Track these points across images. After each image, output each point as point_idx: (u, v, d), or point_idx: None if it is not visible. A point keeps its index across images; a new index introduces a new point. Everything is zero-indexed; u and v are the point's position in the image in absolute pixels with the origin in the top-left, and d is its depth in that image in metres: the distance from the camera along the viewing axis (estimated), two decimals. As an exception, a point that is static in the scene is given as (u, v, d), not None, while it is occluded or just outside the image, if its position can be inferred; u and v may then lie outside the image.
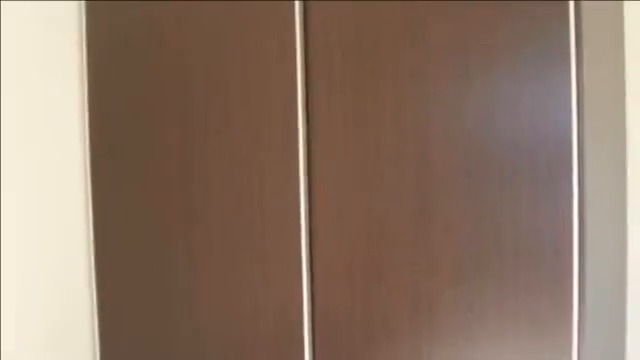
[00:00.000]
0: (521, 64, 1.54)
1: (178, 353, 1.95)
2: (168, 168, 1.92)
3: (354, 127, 1.71)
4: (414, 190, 1.66)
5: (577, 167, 1.51)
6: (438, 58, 1.61)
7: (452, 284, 1.63)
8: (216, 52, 1.84)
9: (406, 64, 1.65)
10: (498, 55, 1.56)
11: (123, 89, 1.97)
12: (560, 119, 1.51)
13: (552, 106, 1.52)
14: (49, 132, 1.97)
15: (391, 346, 1.71)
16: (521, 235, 1.56)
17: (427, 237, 1.65)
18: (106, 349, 2.06)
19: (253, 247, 1.83)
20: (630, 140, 1.98)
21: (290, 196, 1.78)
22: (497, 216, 1.58)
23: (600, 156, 1.65)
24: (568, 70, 1.50)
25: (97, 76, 2.00)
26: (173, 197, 1.92)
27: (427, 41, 1.62)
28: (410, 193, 1.66)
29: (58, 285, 1.99)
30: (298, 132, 1.76)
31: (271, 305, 1.82)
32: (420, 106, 1.64)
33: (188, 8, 1.87)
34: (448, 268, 1.63)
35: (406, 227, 1.67)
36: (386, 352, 1.72)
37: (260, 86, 1.79)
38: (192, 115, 1.88)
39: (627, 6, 1.95)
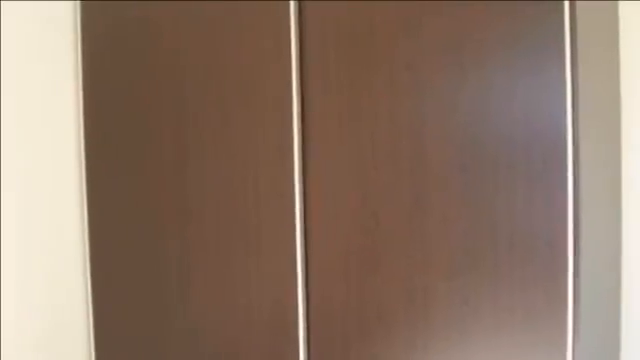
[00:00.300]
0: (516, 58, 1.55)
1: (173, 348, 1.95)
2: (163, 166, 1.92)
3: (349, 122, 1.71)
4: (409, 184, 1.66)
5: (572, 161, 1.51)
6: (433, 53, 1.62)
7: (447, 278, 1.63)
8: (211, 51, 1.84)
9: (401, 59, 1.65)
10: (493, 49, 1.56)
11: (118, 88, 1.97)
12: (555, 113, 1.52)
13: (547, 100, 1.52)
14: (44, 130, 1.97)
15: (386, 340, 1.71)
16: (516, 229, 1.56)
17: (422, 231, 1.65)
18: (101, 345, 2.05)
19: (248, 242, 1.83)
20: (624, 134, 1.99)
21: (285, 191, 1.78)
22: (492, 210, 1.58)
23: (595, 150, 1.66)
24: (563, 64, 1.50)
25: (92, 75, 2.00)
26: (168, 194, 1.92)
27: (422, 36, 1.63)
28: (405, 187, 1.67)
29: (53, 281, 1.99)
30: (293, 127, 1.76)
31: (266, 300, 1.82)
32: (415, 101, 1.65)
33: (183, 8, 1.87)
34: (443, 262, 1.64)
35: (401, 221, 1.67)
36: (381, 346, 1.72)
37: (255, 81, 1.80)
38: (187, 114, 1.88)
39: (622, 6, 1.97)
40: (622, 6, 1.97)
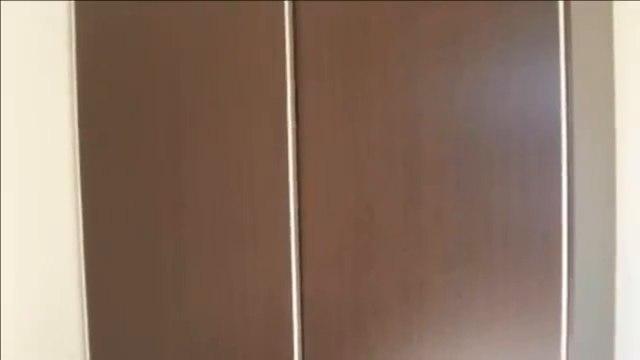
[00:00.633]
0: (511, 51, 1.55)
1: (168, 343, 1.94)
2: (158, 163, 1.92)
3: (343, 115, 1.72)
4: (404, 178, 1.67)
5: (566, 155, 1.52)
6: (428, 46, 1.63)
7: (442, 271, 1.63)
8: (205, 51, 1.85)
9: (395, 52, 1.66)
10: (488, 43, 1.57)
11: (113, 88, 1.97)
12: (550, 107, 1.52)
13: (541, 93, 1.53)
14: (39, 128, 1.97)
15: (381, 333, 1.71)
16: (511, 222, 1.57)
17: (417, 225, 1.65)
18: (96, 341, 2.04)
19: (243, 238, 1.83)
20: (618, 127, 2.00)
21: (280, 186, 1.78)
22: (487, 203, 1.59)
23: (589, 144, 1.66)
24: (557, 57, 1.51)
25: (87, 74, 2.01)
26: (162, 189, 1.92)
27: (417, 29, 1.64)
28: (400, 181, 1.67)
29: (48, 276, 1.99)
30: (287, 121, 1.76)
31: (261, 295, 1.82)
32: (410, 94, 1.65)
33: (177, 7, 1.87)
34: (438, 255, 1.64)
35: (396, 214, 1.68)
36: (376, 339, 1.71)
37: (249, 77, 1.80)
38: (182, 113, 1.88)
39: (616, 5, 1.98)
40: (616, 6, 1.98)
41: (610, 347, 1.95)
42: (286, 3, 1.76)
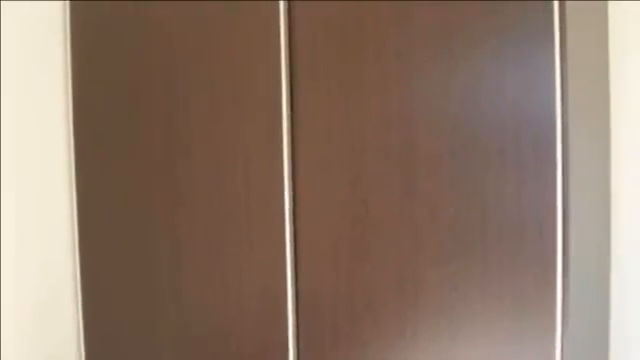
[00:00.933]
0: (506, 45, 1.56)
1: (164, 336, 1.94)
2: (153, 160, 1.92)
3: (339, 113, 1.72)
4: (399, 172, 1.67)
5: (561, 149, 1.52)
6: (423, 44, 1.64)
7: (437, 265, 1.64)
8: (201, 50, 1.85)
9: (391, 46, 1.66)
10: (483, 39, 1.58)
11: (108, 86, 1.97)
12: (544, 102, 1.53)
13: (537, 88, 1.54)
14: (34, 126, 1.97)
15: (375, 327, 1.71)
16: (505, 216, 1.57)
17: (412, 218, 1.66)
18: (91, 336, 2.04)
19: (238, 230, 1.83)
20: (613, 122, 2.01)
21: (274, 179, 1.78)
22: (482, 197, 1.59)
23: (584, 140, 1.67)
24: (552, 51, 1.52)
25: (82, 73, 2.01)
26: (158, 182, 1.92)
27: (411, 28, 1.64)
28: (395, 175, 1.67)
29: (44, 273, 1.99)
30: (282, 116, 1.77)
31: (256, 287, 1.82)
32: (405, 88, 1.66)
33: (173, 7, 1.88)
34: (433, 249, 1.64)
35: (391, 208, 1.68)
36: (370, 333, 1.71)
37: (245, 76, 1.81)
38: (177, 112, 1.88)
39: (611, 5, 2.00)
40: (611, 6, 2.00)
41: (605, 341, 1.95)
42: (281, 3, 1.76)
